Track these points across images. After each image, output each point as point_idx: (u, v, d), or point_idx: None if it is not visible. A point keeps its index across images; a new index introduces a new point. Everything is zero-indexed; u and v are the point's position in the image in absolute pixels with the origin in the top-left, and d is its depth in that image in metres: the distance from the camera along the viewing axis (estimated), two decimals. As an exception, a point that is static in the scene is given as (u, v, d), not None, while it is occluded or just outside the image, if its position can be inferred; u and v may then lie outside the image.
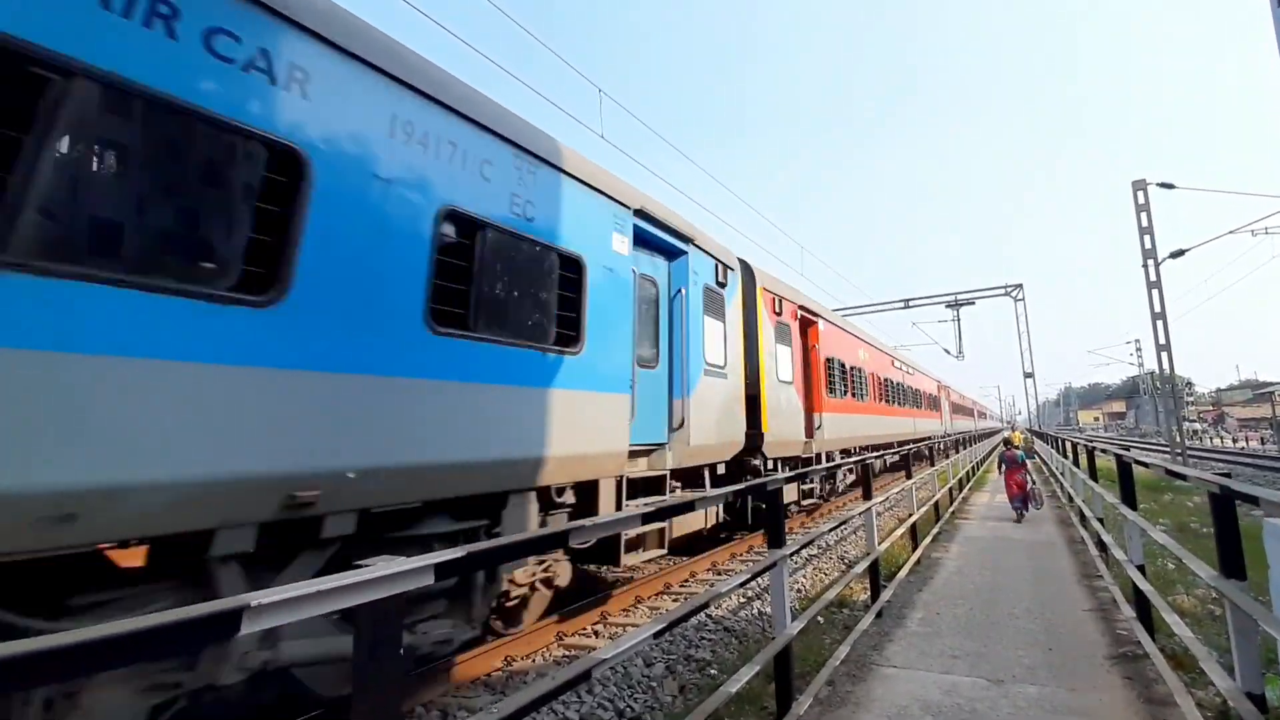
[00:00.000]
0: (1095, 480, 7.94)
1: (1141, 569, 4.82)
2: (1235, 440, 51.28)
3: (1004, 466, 12.10)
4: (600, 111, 10.81)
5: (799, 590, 7.09)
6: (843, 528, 9.96)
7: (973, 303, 34.57)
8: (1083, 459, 9.20)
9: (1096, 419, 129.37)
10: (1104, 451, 8.22)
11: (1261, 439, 47.52)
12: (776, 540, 3.54)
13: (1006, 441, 13.30)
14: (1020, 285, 33.75)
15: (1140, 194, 18.24)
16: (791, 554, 3.52)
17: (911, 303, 36.15)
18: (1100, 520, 7.41)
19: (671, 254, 7.46)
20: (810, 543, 4.59)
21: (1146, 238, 18.23)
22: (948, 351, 35.57)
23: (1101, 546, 7.16)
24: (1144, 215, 18.21)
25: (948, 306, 35.10)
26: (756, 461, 9.03)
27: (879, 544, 5.69)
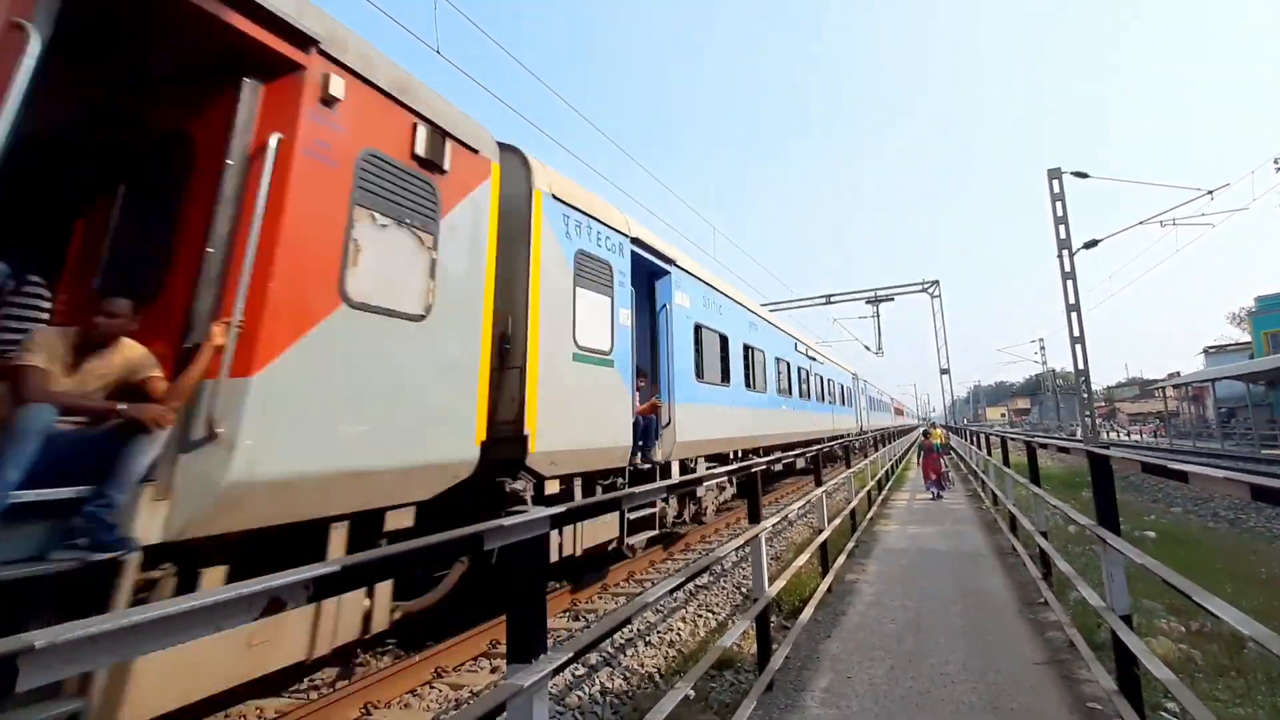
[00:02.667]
0: (1008, 466, 8.39)
1: (1127, 621, 3.36)
2: (1128, 434, 54.24)
3: (921, 454, 15.29)
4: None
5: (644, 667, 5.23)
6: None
7: (892, 299, 34.49)
8: (997, 454, 8.33)
9: (1003, 415, 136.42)
10: (1012, 440, 9.49)
11: (1154, 432, 50.34)
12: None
13: (925, 434, 15.90)
14: (937, 282, 33.90)
15: (1055, 182, 17.84)
16: (558, 668, 1.75)
17: (834, 298, 35.79)
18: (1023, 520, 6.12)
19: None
20: (613, 631, 2.80)
21: (1061, 228, 17.85)
22: (868, 348, 35.37)
23: (1045, 565, 5.85)
24: (1059, 204, 17.82)
25: (868, 302, 34.91)
26: (519, 484, 5.51)
27: (768, 585, 4.04)
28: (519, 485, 5.50)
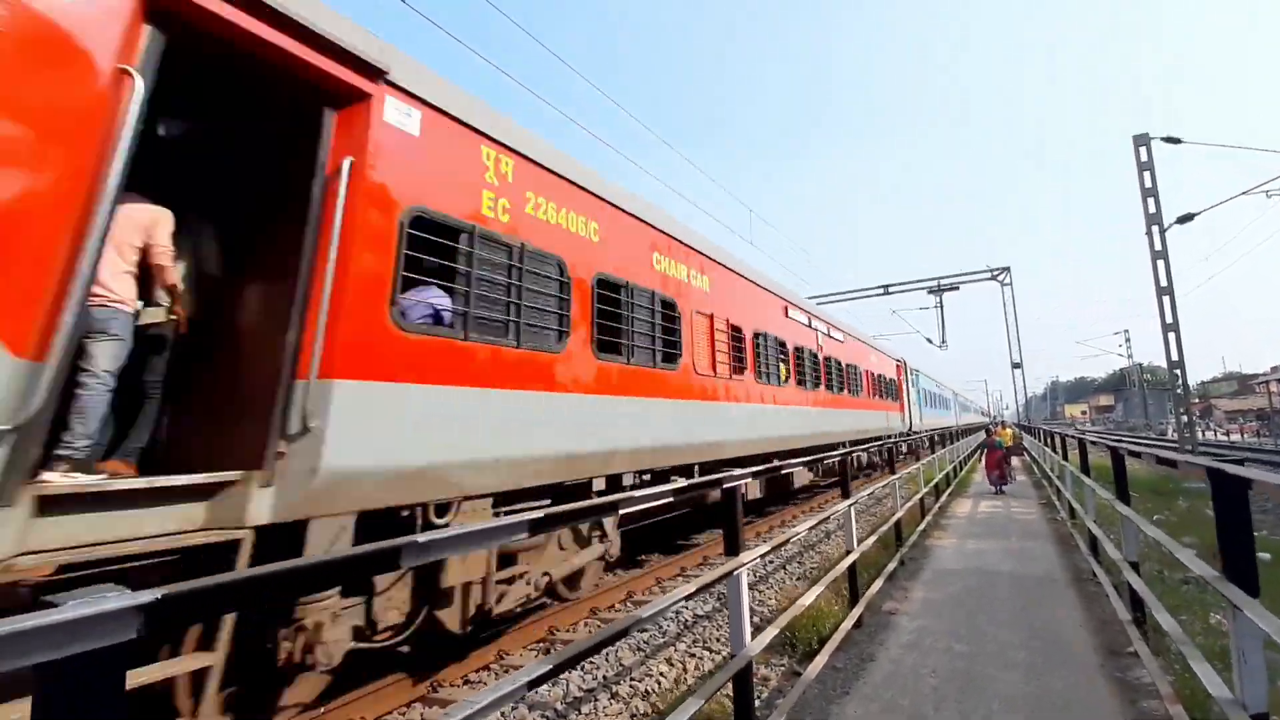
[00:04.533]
0: (1087, 474, 6.87)
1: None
2: (1226, 433, 49.24)
3: (984, 451, 16.50)
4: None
5: None
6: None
7: (956, 288, 32.19)
8: (1074, 457, 6.97)
9: (1084, 413, 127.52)
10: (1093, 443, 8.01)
11: (1257, 431, 45.50)
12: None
13: (988, 431, 17.99)
14: (1007, 269, 31.43)
15: (1142, 150, 15.78)
16: None
17: (892, 289, 33.72)
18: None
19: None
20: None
21: (1150, 201, 15.78)
22: (930, 340, 33.18)
23: (1137, 601, 4.59)
24: (1147, 175, 15.74)
25: (930, 292, 32.71)
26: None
27: (750, 638, 3.06)
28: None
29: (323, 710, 3.69)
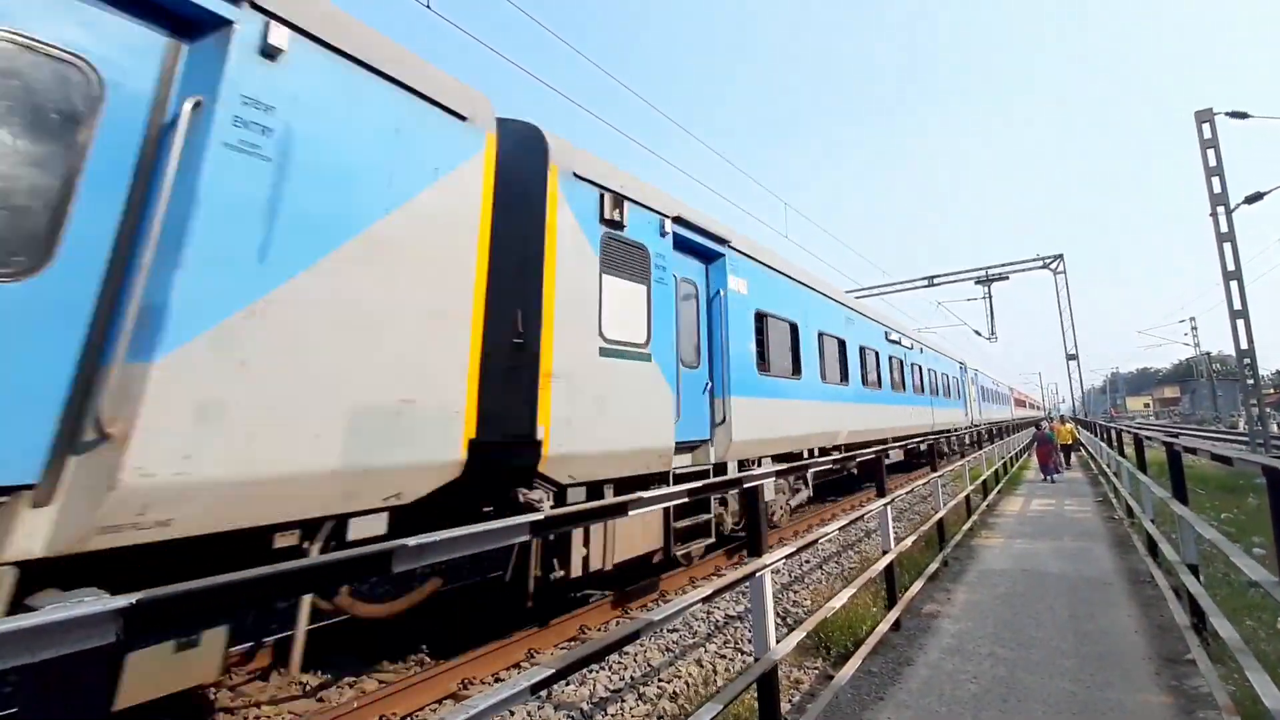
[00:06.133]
0: (1144, 471, 6.80)
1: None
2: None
3: (1036, 443, 17.43)
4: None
5: None
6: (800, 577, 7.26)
7: (1005, 278, 31.03)
8: (1130, 453, 6.58)
9: (1147, 405, 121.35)
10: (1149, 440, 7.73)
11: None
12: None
13: (1037, 425, 19.90)
14: (1060, 256, 30.13)
15: (1206, 126, 14.89)
16: None
17: (937, 280, 32.72)
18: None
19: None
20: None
21: (1215, 180, 14.88)
22: (978, 333, 32.08)
23: (1196, 607, 4.32)
24: (1211, 152, 14.85)
25: (977, 283, 31.63)
26: (536, 493, 4.82)
27: (774, 643, 2.99)
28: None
29: (355, 706, 3.77)
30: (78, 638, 0.91)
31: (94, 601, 0.95)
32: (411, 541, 1.36)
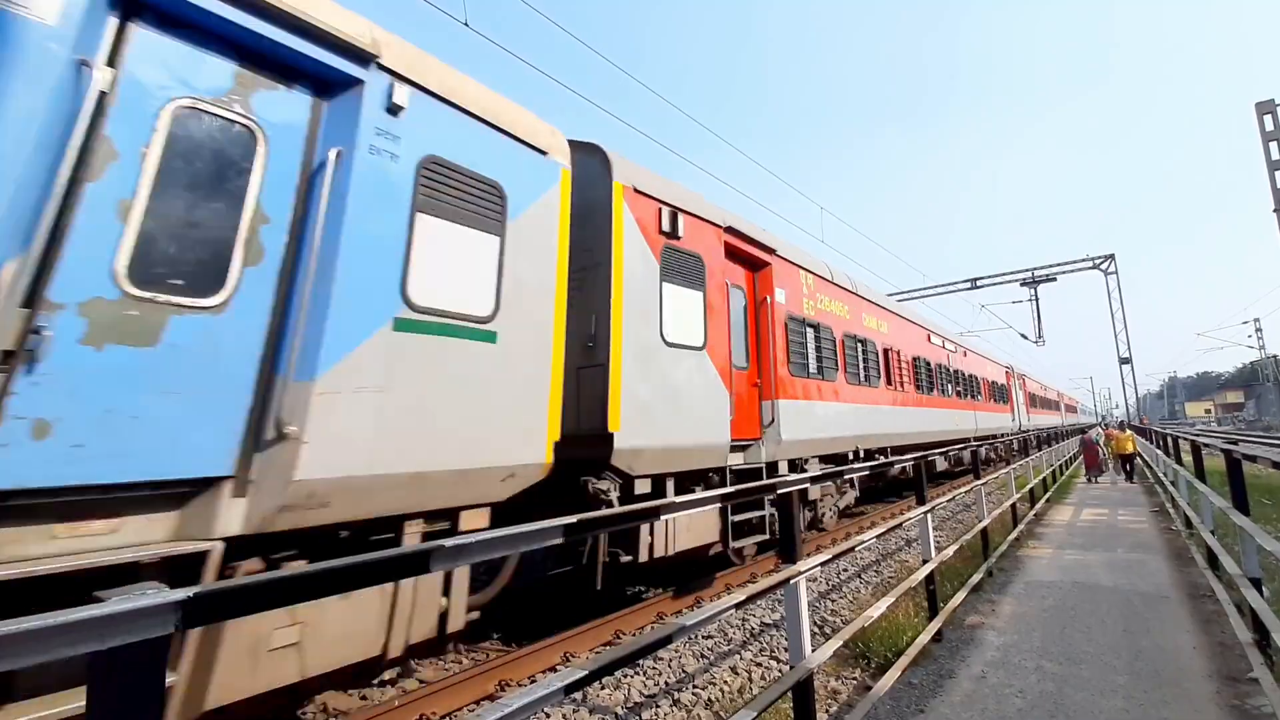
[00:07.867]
0: (1203, 480, 6.58)
1: None
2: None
3: (1084, 446, 19.19)
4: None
5: None
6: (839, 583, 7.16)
7: (1053, 279, 30.09)
8: (1187, 461, 6.32)
9: (1208, 411, 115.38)
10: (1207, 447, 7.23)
11: None
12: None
13: (1083, 430, 20.20)
14: (1111, 256, 29.08)
15: (1267, 118, 14.21)
16: None
17: (980, 282, 31.93)
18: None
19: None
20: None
21: (1277, 175, 14.18)
22: (1024, 336, 31.12)
23: (1260, 623, 4.11)
24: (1273, 145, 14.17)
25: (1023, 285, 30.74)
26: (604, 483, 5.27)
27: (810, 650, 2.96)
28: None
29: (396, 705, 3.86)
30: (144, 626, 0.98)
31: (156, 594, 1.02)
32: (449, 543, 1.41)
